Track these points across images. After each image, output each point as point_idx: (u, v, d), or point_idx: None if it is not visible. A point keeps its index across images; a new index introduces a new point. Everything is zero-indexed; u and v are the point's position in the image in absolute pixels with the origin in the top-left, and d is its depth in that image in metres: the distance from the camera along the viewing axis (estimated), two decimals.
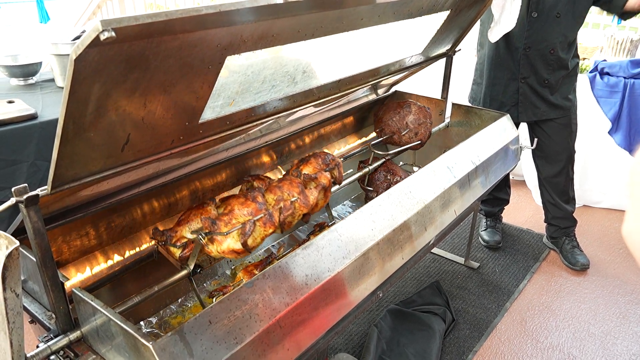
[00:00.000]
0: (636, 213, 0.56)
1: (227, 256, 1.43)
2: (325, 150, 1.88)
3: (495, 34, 2.44)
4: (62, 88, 2.62)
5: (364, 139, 2.80)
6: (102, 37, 0.77)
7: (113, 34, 0.78)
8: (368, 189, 2.24)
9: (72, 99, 0.90)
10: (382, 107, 2.47)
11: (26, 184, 1.06)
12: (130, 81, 0.98)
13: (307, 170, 1.79)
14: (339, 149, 2.68)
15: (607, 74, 3.25)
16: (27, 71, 2.60)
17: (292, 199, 1.59)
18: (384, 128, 2.41)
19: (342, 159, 2.53)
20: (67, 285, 1.22)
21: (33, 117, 2.12)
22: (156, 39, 0.92)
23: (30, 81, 2.63)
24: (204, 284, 1.96)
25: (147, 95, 1.06)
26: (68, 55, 2.60)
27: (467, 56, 3.44)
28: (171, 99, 1.13)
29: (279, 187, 1.62)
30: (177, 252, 1.45)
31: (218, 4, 0.95)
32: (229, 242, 1.42)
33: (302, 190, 1.64)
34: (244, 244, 1.42)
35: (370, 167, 2.20)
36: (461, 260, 2.92)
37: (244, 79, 1.37)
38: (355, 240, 1.50)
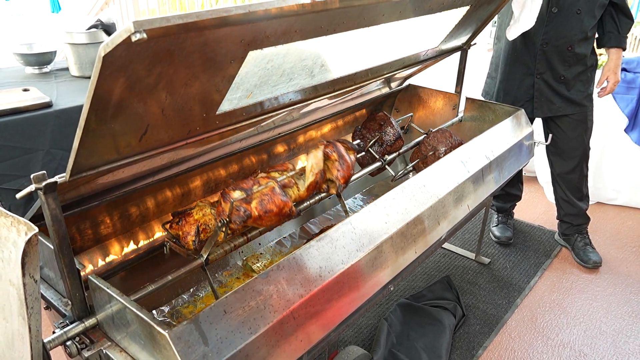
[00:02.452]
0: None
1: None
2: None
3: (513, 32, 2.41)
4: (77, 77, 2.64)
5: None
6: (134, 39, 0.78)
7: (145, 35, 0.78)
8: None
9: (97, 93, 0.91)
10: (443, 136, 2.34)
11: (45, 172, 1.06)
12: (154, 75, 0.98)
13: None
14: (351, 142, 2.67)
15: (625, 69, 3.21)
16: (42, 60, 2.61)
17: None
18: (433, 146, 2.32)
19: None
20: (83, 272, 1.23)
21: (48, 105, 2.13)
22: (182, 36, 0.93)
23: (45, 70, 2.65)
24: (216, 274, 1.97)
25: (168, 89, 1.06)
26: (83, 44, 2.62)
27: (481, 50, 3.42)
28: (192, 92, 1.14)
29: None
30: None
31: (247, 4, 0.95)
32: None
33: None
34: None
35: (387, 159, 2.18)
36: (472, 255, 2.91)
37: (263, 73, 1.37)
38: (369, 233, 1.50)
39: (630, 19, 2.50)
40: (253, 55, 1.19)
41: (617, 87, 3.18)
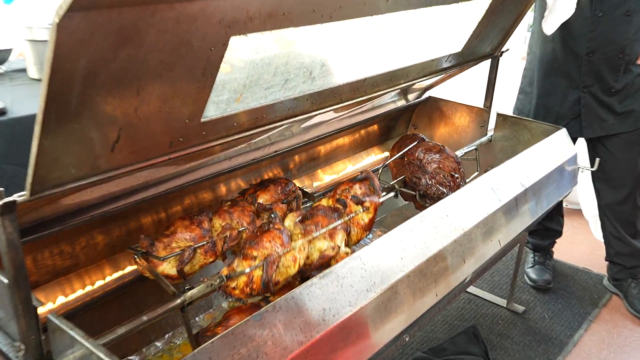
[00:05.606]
0: None
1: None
2: (287, 179, 2.01)
3: (551, 24, 2.45)
4: (36, 80, 2.68)
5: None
6: None
7: None
8: (417, 195, 2.18)
9: (54, 77, 0.91)
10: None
11: (3, 189, 1.08)
12: (121, 60, 1.00)
13: (263, 197, 1.90)
14: (359, 162, 2.71)
15: None
16: None
17: (240, 229, 1.72)
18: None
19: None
20: (40, 311, 1.23)
21: (1, 112, 2.16)
22: (150, 7, 0.95)
23: None
24: (196, 318, 1.97)
25: (140, 80, 1.08)
26: (45, 41, 2.67)
27: (515, 58, 3.48)
28: (168, 87, 1.16)
29: (230, 212, 1.75)
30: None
31: None
32: (164, 267, 1.57)
33: (252, 221, 1.77)
34: (180, 272, 1.58)
35: (395, 182, 2.21)
36: (503, 302, 2.91)
37: (252, 68, 1.40)
38: (381, 270, 1.51)
39: None
40: (237, 44, 1.22)
41: None
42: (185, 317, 1.49)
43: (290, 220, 1.70)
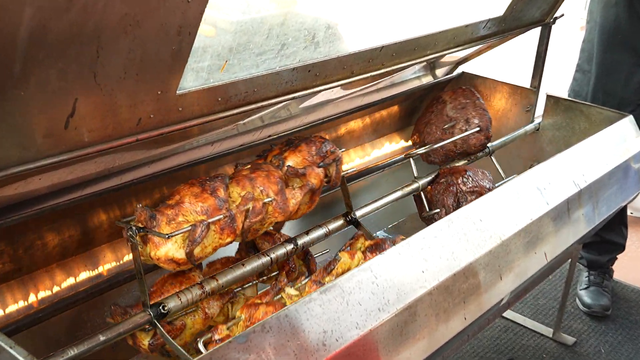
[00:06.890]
0: None
1: (163, 266, 1.50)
2: (324, 137, 1.92)
3: None
4: None
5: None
6: None
7: None
8: (430, 213, 2.20)
9: None
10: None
11: None
12: (76, 10, 0.98)
13: (293, 160, 1.83)
14: (373, 152, 2.70)
15: None
16: None
17: (266, 200, 1.65)
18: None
19: (380, 169, 2.55)
20: None
21: None
22: None
23: None
24: None
25: (100, 37, 1.07)
26: None
27: (572, 28, 3.47)
28: (136, 48, 1.15)
29: (251, 179, 1.68)
30: None
31: None
32: (168, 248, 1.48)
33: (281, 190, 1.70)
34: (189, 254, 1.49)
35: (423, 181, 2.21)
36: (549, 331, 2.91)
37: (240, 30, 1.40)
38: (397, 285, 1.51)
39: None
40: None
41: None
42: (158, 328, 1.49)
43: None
